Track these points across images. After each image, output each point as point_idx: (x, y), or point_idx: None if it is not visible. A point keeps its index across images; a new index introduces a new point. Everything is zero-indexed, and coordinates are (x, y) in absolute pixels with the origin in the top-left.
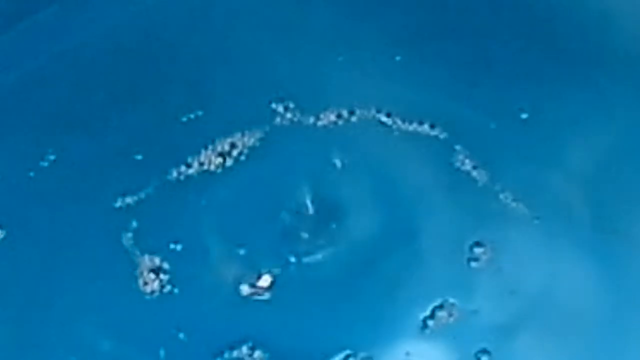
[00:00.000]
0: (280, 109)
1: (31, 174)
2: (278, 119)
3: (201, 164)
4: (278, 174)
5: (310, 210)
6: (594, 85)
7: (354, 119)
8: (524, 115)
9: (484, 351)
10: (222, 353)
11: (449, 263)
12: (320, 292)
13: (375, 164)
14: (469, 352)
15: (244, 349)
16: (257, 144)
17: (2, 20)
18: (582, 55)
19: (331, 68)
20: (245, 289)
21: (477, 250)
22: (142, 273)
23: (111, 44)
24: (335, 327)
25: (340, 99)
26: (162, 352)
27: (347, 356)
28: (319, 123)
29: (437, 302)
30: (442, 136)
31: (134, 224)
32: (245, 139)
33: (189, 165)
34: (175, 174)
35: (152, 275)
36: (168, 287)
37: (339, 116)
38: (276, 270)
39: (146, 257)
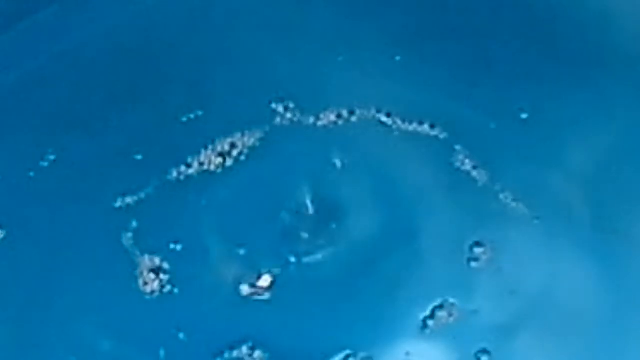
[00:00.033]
0: (280, 109)
1: (31, 174)
2: (278, 119)
3: (201, 164)
4: (278, 174)
5: (310, 210)
6: (594, 85)
7: (354, 119)
8: (524, 115)
9: (484, 351)
10: (222, 353)
11: (449, 263)
12: (320, 292)
13: (375, 164)
14: (469, 352)
15: (244, 349)
16: (257, 144)
17: (2, 20)
18: (582, 55)
19: (331, 68)
20: (245, 289)
21: (477, 250)
22: (142, 273)
23: (111, 44)
24: (335, 327)
25: (340, 99)
26: (162, 352)
27: (347, 356)
28: (319, 123)
29: (437, 302)
30: (442, 136)
31: (134, 224)
32: (245, 139)
33: (189, 165)
34: (175, 174)
35: (152, 275)
36: (168, 287)
37: (339, 116)
38: (276, 270)
39: (146, 257)
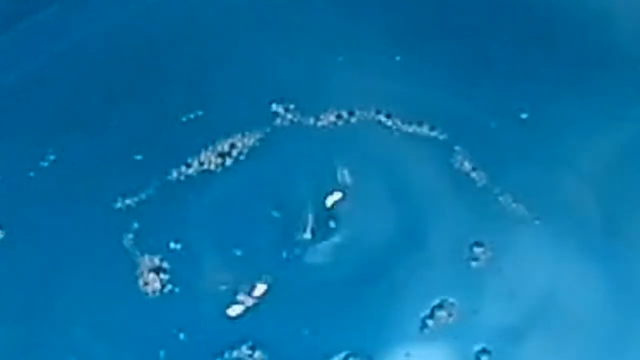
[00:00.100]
0: (281, 109)
1: (31, 174)
2: (278, 120)
3: (201, 164)
4: (278, 174)
5: (310, 211)
6: (594, 85)
7: (353, 119)
8: (524, 115)
9: (484, 351)
10: (222, 353)
11: (449, 263)
12: (320, 293)
13: (375, 164)
14: (469, 352)
15: (244, 349)
16: (257, 144)
17: (2, 20)
18: (582, 55)
19: (331, 68)
20: (236, 308)
21: (477, 250)
22: (142, 273)
23: (111, 44)
24: (335, 328)
25: (340, 99)
26: (162, 353)
27: (347, 356)
28: (319, 124)
29: (437, 302)
30: (441, 137)
31: (135, 224)
32: (245, 139)
33: (188, 165)
34: (175, 174)
35: (153, 276)
36: (168, 288)
37: (339, 117)
38: (274, 272)
39: (146, 257)
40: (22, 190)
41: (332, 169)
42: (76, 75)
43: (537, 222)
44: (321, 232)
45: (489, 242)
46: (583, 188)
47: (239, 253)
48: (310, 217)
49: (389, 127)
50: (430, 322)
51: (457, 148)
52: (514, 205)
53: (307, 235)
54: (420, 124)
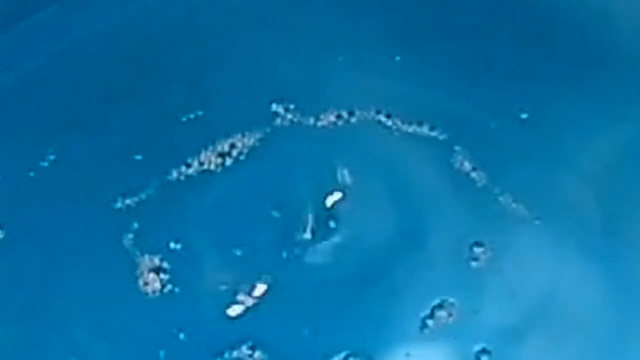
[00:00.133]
0: (281, 110)
1: (31, 174)
2: (278, 120)
3: (201, 164)
4: (278, 174)
5: (310, 211)
6: (594, 85)
7: (353, 119)
8: (524, 115)
9: (484, 351)
10: (222, 353)
11: (449, 263)
12: (319, 293)
13: (375, 164)
14: (469, 352)
15: (244, 349)
16: (257, 144)
17: (2, 20)
18: (582, 55)
19: (331, 68)
20: (236, 308)
21: (477, 250)
22: (142, 273)
23: (111, 44)
24: (335, 328)
25: (340, 99)
26: (162, 353)
27: (347, 356)
28: (319, 124)
29: (437, 302)
30: (441, 137)
31: (135, 224)
32: (245, 139)
33: (188, 165)
34: (175, 174)
35: (153, 276)
36: (168, 288)
37: (339, 117)
38: (274, 272)
39: (146, 257)
40: (22, 190)
41: (332, 169)
42: (76, 75)
43: (537, 222)
44: (321, 232)
45: (489, 242)
46: (583, 188)
47: (239, 253)
48: (310, 217)
49: (389, 127)
50: (430, 322)
51: (457, 148)
52: (514, 205)
53: (307, 235)
54: (420, 124)
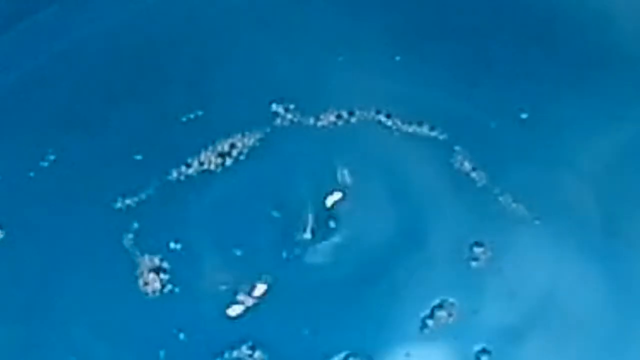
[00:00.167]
0: (281, 110)
1: (31, 174)
2: (278, 120)
3: (201, 164)
4: (278, 174)
5: (310, 211)
6: (594, 85)
7: (353, 119)
8: (524, 115)
9: (484, 351)
10: (222, 353)
11: (449, 263)
12: (320, 293)
13: (375, 164)
14: (469, 352)
15: (244, 349)
16: (257, 144)
17: (2, 20)
18: (582, 55)
19: (331, 68)
20: (236, 308)
21: (477, 250)
22: (142, 273)
23: (111, 44)
24: (335, 328)
25: (340, 99)
26: (162, 353)
27: (347, 356)
28: (319, 124)
29: (437, 302)
30: (441, 137)
31: (135, 224)
32: (245, 139)
33: (188, 165)
34: (175, 174)
35: (153, 276)
36: (168, 288)
37: (339, 117)
38: (274, 272)
39: (146, 257)
40: (22, 190)
41: (332, 169)
42: (76, 75)
43: (537, 222)
44: (321, 232)
45: (489, 242)
46: (583, 188)
47: (239, 253)
48: (310, 217)
49: (389, 127)
50: (430, 322)
51: (457, 148)
52: (514, 205)
53: (307, 235)
54: (420, 124)
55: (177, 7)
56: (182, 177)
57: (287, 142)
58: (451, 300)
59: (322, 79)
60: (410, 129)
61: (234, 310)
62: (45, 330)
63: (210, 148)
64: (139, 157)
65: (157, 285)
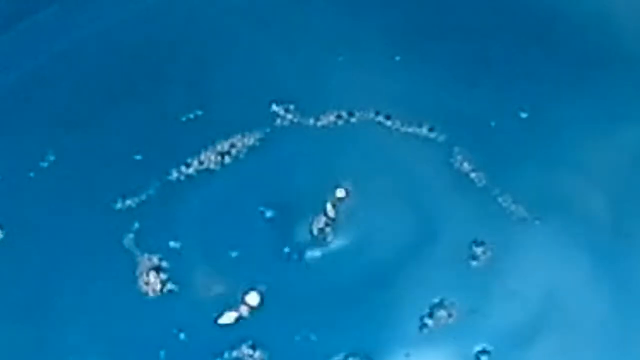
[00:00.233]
0: (281, 109)
1: (31, 174)
2: (278, 120)
3: (201, 164)
4: (278, 174)
5: (310, 211)
6: (594, 85)
7: (353, 119)
8: (524, 115)
9: (484, 351)
10: (222, 353)
11: (449, 263)
12: (319, 293)
13: (375, 165)
14: (469, 352)
15: (244, 349)
16: (257, 144)
17: (2, 20)
18: (582, 55)
19: (331, 68)
20: (231, 315)
21: (477, 250)
22: (142, 273)
23: (111, 44)
24: (334, 328)
25: (340, 99)
26: (162, 353)
27: (347, 356)
28: (319, 124)
29: (436, 302)
30: (441, 137)
31: (135, 224)
32: (245, 139)
33: (188, 165)
34: (175, 174)
35: (153, 276)
36: (168, 288)
37: (339, 117)
38: (275, 270)
39: (146, 257)
40: (22, 190)
41: (332, 169)
42: (76, 75)
43: (537, 222)
44: (321, 232)
45: (489, 242)
46: (583, 188)
47: (238, 253)
48: (310, 218)
49: (389, 128)
50: (430, 322)
51: (457, 148)
52: (513, 205)
53: (307, 235)
54: (420, 124)
55: (177, 7)
56: (182, 177)
57: (287, 142)
58: (451, 300)
59: (322, 79)
60: (410, 129)
61: (234, 310)
62: (45, 330)
63: (210, 148)
64: (139, 157)
65: (157, 285)
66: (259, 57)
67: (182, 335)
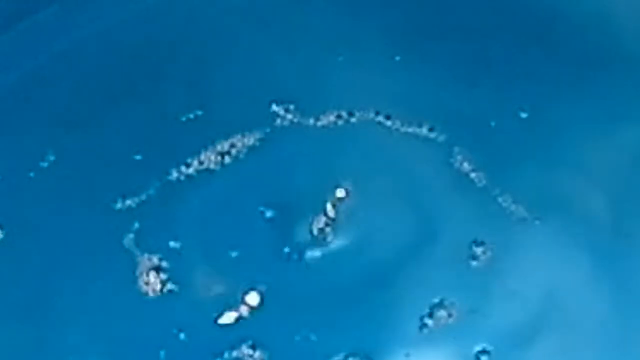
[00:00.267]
0: (281, 109)
1: (31, 174)
2: (278, 120)
3: (201, 164)
4: (278, 174)
5: (310, 211)
6: (594, 85)
7: (353, 119)
8: (524, 115)
9: (484, 351)
10: (222, 353)
11: (449, 263)
12: (319, 293)
13: (375, 165)
14: (469, 352)
15: (244, 349)
16: (257, 144)
17: (2, 20)
18: (582, 55)
19: (331, 68)
20: (231, 315)
21: (477, 250)
22: (142, 273)
23: (111, 44)
24: (334, 328)
25: (340, 99)
26: (162, 353)
27: (347, 356)
28: (319, 124)
29: (437, 302)
30: (441, 137)
31: (135, 224)
32: (245, 139)
33: (188, 165)
34: (175, 174)
35: (153, 276)
36: (168, 288)
37: (339, 117)
38: (275, 270)
39: (146, 257)
40: (22, 190)
41: (332, 169)
42: (76, 75)
43: (537, 222)
44: (321, 232)
45: (489, 242)
46: (583, 188)
47: (238, 253)
48: (310, 218)
49: (389, 128)
50: (430, 322)
51: (457, 148)
52: (513, 205)
53: (307, 235)
54: (420, 124)
55: (177, 7)
56: (182, 177)
57: (287, 142)
58: (451, 300)
59: (322, 79)
60: (410, 129)
61: (234, 310)
62: (45, 330)
63: (210, 148)
64: (139, 157)
65: (157, 285)
66: (259, 57)
67: (182, 335)
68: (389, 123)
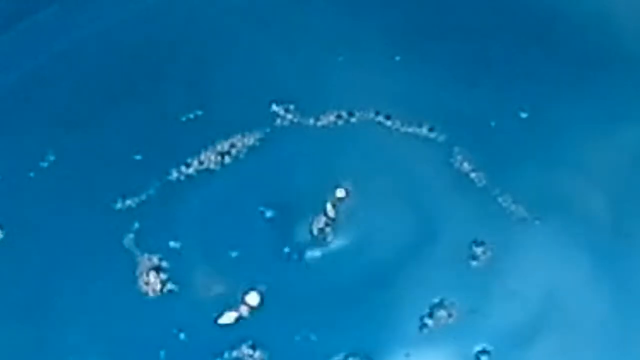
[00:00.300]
0: (281, 109)
1: (31, 174)
2: (278, 120)
3: (201, 164)
4: (278, 174)
5: (310, 211)
6: (594, 85)
7: (353, 119)
8: (524, 115)
9: (484, 351)
10: (222, 353)
11: (449, 263)
12: (319, 293)
13: (375, 165)
14: (469, 352)
15: (244, 349)
16: (257, 144)
17: (2, 20)
18: (582, 55)
19: (331, 68)
20: (231, 315)
21: (477, 250)
22: (142, 273)
23: (111, 44)
24: (334, 328)
25: (340, 99)
26: (162, 353)
27: (347, 356)
28: (319, 124)
29: (437, 302)
30: (441, 137)
31: (135, 224)
32: (245, 139)
33: (188, 165)
34: (175, 174)
35: (153, 276)
36: (168, 287)
37: (339, 117)
38: (275, 270)
39: (146, 257)
40: (22, 190)
41: (332, 169)
42: (76, 75)
43: (537, 222)
44: (321, 232)
45: (489, 242)
46: (583, 188)
47: (238, 253)
48: (310, 218)
49: (389, 128)
50: (430, 322)
51: (457, 148)
52: (513, 205)
53: (307, 235)
54: (420, 124)
55: (177, 7)
56: (182, 177)
57: (287, 142)
58: (451, 300)
59: (322, 79)
60: (410, 129)
61: (234, 310)
62: (45, 330)
63: (210, 148)
64: (139, 157)
65: (157, 285)
66: (259, 57)
67: (182, 335)
68: (389, 123)
